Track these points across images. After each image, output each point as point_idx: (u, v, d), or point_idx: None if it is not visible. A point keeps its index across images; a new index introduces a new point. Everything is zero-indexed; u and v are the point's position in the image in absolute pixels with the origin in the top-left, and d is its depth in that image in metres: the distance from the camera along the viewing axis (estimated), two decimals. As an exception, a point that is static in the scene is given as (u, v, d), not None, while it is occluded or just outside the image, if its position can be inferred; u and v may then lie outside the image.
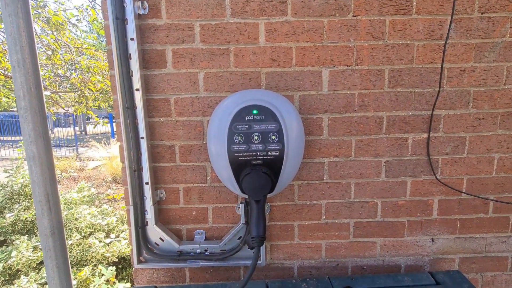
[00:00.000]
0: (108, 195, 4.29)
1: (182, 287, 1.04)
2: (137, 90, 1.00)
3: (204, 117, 1.07)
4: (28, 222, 2.15)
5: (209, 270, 1.18)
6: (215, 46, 1.02)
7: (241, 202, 1.10)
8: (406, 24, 1.03)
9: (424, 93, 1.08)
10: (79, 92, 4.75)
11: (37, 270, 1.89)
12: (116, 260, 2.41)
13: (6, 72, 3.91)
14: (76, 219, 2.39)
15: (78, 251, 2.21)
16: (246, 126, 0.87)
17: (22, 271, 1.88)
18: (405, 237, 1.19)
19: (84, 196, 2.47)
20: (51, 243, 0.80)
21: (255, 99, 0.89)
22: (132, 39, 0.96)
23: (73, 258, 2.19)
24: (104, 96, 5.50)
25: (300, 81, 1.05)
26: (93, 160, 8.68)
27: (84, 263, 2.22)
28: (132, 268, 2.45)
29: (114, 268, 2.19)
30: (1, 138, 13.75)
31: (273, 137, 0.87)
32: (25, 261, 1.83)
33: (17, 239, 1.94)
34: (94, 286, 2.00)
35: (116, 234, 2.54)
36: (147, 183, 1.07)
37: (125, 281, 2.38)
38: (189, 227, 1.16)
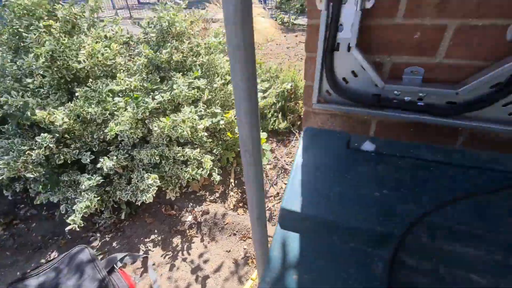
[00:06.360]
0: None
1: (387, 142, 0.74)
2: None
3: None
4: (179, 63, 2.26)
5: (407, 128, 0.82)
6: None
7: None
8: None
9: None
10: None
11: (194, 105, 2.07)
12: (253, 110, 2.47)
13: None
14: (216, 66, 2.39)
15: (221, 95, 2.30)
16: None
17: (182, 105, 2.11)
18: None
19: (220, 41, 2.34)
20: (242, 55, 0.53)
21: None
22: None
23: (219, 100, 2.32)
24: None
25: None
26: (213, 22, 8.75)
27: (227, 108, 2.36)
28: (267, 121, 2.43)
29: (254, 115, 2.24)
30: (140, 1, 15.40)
31: None
32: (183, 96, 1.98)
33: (174, 75, 2.08)
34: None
35: (252, 85, 2.51)
36: (354, -31, 0.61)
37: (261, 130, 2.49)
38: (399, 61, 0.73)
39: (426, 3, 0.63)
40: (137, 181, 1.95)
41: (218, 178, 2.12)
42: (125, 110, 1.92)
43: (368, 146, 0.69)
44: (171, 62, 2.19)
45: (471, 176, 0.61)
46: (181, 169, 2.08)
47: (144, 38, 2.28)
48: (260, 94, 2.55)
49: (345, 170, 0.66)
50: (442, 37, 0.67)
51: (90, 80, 1.98)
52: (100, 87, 1.89)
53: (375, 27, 0.71)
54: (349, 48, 0.72)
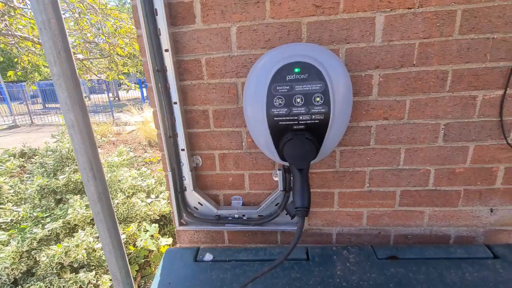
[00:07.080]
0: (145, 158, 4.56)
1: (224, 250, 1.07)
2: (166, 51, 0.92)
3: (238, 79, 0.98)
4: (79, 183, 2.35)
5: (247, 234, 1.19)
6: (248, -7, 0.88)
7: (279, 169, 1.05)
8: None
9: (506, 39, 0.87)
10: (108, 57, 4.81)
11: (91, 225, 2.10)
12: (158, 217, 2.61)
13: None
14: (119, 181, 2.57)
15: (124, 209, 2.41)
16: (287, 87, 0.77)
17: (79, 226, 2.11)
18: (459, 207, 1.08)
19: (124, 160, 2.60)
20: (99, 208, 0.83)
21: (297, 55, 0.77)
22: (157, -9, 0.86)
23: (120, 216, 2.40)
24: (133, 61, 5.53)
25: (348, 31, 0.89)
26: (128, 125, 9.14)
27: (130, 220, 2.44)
28: (173, 225, 2.61)
29: (157, 225, 2.38)
30: (46, 105, 14.89)
31: (318, 99, 0.77)
32: (80, 217, 2.03)
33: (71, 198, 2.14)
34: (141, 240, 2.20)
35: (156, 195, 2.72)
36: (183, 150, 1.05)
37: (167, 236, 2.59)
38: (226, 193, 1.15)
39: (228, 163, 1.10)
40: (12, 329, 1.67)
41: (118, 299, 2.01)
42: (7, 245, 1.80)
43: (208, 257, 1.00)
44: (69, 184, 2.27)
45: (263, 265, 0.97)
46: (74, 299, 1.91)
47: (40, 164, 2.35)
48: (164, 201, 2.76)
49: (190, 280, 0.93)
50: (243, 180, 1.12)
51: (-35, 216, 1.84)
52: (-23, 223, 1.78)
53: (206, 175, 1.13)
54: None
